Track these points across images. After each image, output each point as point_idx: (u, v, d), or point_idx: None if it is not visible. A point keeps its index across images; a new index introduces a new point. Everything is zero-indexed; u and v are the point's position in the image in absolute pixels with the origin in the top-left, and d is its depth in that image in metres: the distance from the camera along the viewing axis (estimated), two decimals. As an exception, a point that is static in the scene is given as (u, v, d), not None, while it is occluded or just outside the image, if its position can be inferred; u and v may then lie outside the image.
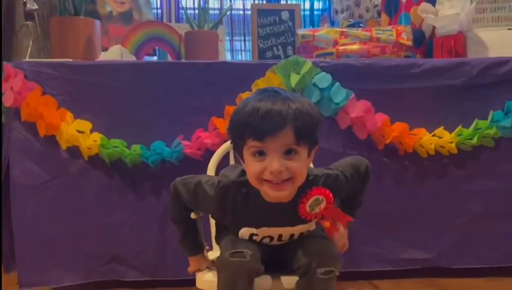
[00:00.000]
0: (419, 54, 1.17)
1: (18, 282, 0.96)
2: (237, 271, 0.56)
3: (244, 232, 0.60)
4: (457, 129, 1.00)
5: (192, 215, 0.62)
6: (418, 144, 1.00)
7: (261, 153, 0.51)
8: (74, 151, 0.97)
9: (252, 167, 0.51)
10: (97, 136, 0.97)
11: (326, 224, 0.59)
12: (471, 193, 1.04)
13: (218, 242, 0.66)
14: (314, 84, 0.98)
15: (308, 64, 0.98)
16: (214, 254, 0.65)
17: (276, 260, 0.62)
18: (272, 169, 0.49)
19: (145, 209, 0.99)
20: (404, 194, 1.03)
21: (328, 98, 0.99)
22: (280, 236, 0.61)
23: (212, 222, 0.68)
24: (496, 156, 1.02)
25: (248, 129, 0.50)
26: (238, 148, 0.56)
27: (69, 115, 0.97)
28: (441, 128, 1.01)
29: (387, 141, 0.99)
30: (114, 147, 0.97)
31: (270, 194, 0.52)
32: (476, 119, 1.00)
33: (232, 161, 0.78)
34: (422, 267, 1.04)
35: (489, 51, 1.08)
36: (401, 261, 1.03)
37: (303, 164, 0.53)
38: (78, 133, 0.96)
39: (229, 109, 0.95)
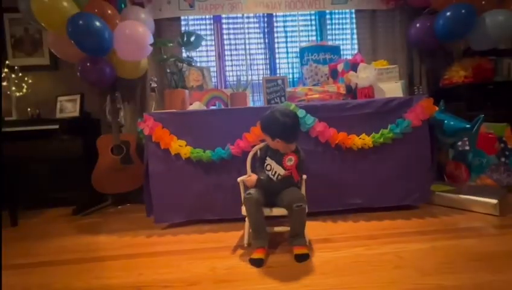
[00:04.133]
0: (350, 98, 1.85)
1: (154, 219, 1.72)
2: (249, 201, 1.24)
3: (267, 158, 1.36)
4: (372, 134, 1.72)
5: None
6: (352, 143, 1.70)
7: None
8: (178, 156, 1.70)
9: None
10: (188, 148, 1.71)
11: (295, 172, 1.32)
12: (380, 163, 1.71)
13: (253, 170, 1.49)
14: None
15: (292, 105, 1.72)
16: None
17: (273, 201, 1.31)
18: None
19: (213, 182, 1.70)
20: (346, 168, 1.71)
21: (304, 122, 1.69)
22: (272, 170, 1.34)
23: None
24: (393, 148, 1.71)
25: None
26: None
27: (174, 138, 1.72)
28: (363, 134, 1.71)
29: (336, 142, 1.70)
30: (197, 153, 1.74)
31: None
32: (381, 129, 1.71)
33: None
34: (358, 208, 1.71)
35: (386, 94, 1.82)
36: (346, 204, 1.71)
37: (280, 144, 1.32)
38: (179, 146, 1.73)
39: (254, 129, 1.67)
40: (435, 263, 1.16)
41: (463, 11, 2.11)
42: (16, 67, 2.40)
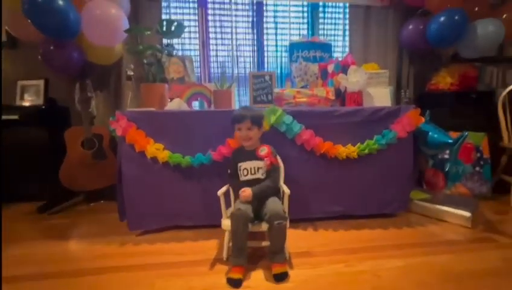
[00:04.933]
0: (339, 102, 1.80)
1: (127, 226, 1.62)
2: (238, 217, 1.18)
3: (239, 165, 1.36)
4: (357, 145, 1.68)
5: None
6: (337, 152, 1.67)
7: (239, 129, 1.37)
8: (155, 159, 1.58)
9: (237, 134, 1.40)
10: (166, 152, 1.57)
11: (270, 160, 1.36)
12: (363, 174, 1.70)
13: (230, 183, 1.44)
14: (283, 121, 1.62)
15: (279, 111, 1.62)
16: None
17: (257, 215, 1.27)
18: (242, 135, 1.38)
19: (193, 187, 1.61)
20: (329, 178, 1.69)
21: (290, 128, 1.63)
22: (251, 169, 1.34)
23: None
24: (377, 157, 1.70)
25: (235, 120, 1.37)
26: (233, 129, 1.40)
27: (151, 141, 1.58)
28: (349, 144, 1.68)
29: (321, 151, 1.66)
30: (175, 158, 1.60)
31: (245, 144, 1.41)
32: (367, 140, 1.68)
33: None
34: (338, 215, 1.72)
35: (375, 101, 1.77)
36: (328, 212, 1.71)
37: (255, 134, 1.37)
38: (156, 150, 1.60)
39: (237, 134, 1.54)
40: (411, 284, 1.17)
41: (456, 17, 2.05)
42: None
